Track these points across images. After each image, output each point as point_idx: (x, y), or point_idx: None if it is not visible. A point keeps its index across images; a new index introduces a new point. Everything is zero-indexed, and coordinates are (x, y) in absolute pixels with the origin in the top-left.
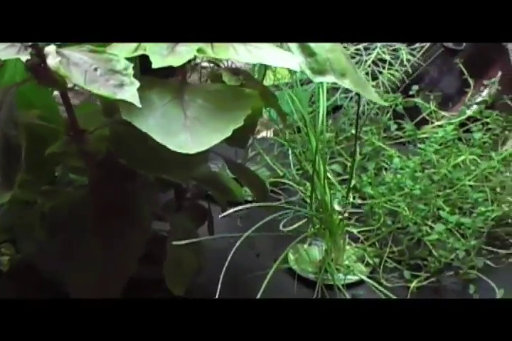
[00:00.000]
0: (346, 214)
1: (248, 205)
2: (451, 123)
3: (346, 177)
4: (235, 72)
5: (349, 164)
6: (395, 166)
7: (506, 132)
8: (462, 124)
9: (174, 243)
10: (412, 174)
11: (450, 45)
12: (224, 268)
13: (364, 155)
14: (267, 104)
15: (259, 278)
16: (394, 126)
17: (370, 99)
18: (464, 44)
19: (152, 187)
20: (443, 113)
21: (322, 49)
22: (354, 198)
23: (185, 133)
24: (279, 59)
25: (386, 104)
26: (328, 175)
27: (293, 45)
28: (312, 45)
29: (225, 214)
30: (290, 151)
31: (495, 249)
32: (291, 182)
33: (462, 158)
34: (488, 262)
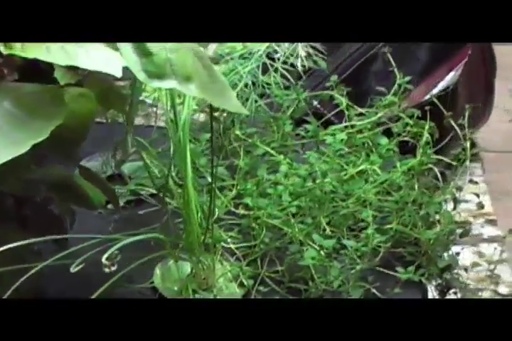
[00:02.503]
0: None
1: None
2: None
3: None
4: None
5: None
6: (277, 177)
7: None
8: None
9: None
10: (301, 185)
11: None
12: None
13: (256, 157)
14: (110, 106)
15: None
16: (289, 127)
17: (225, 107)
18: None
19: None
20: (360, 110)
21: (162, 48)
22: (238, 207)
23: None
24: (99, 61)
25: (247, 112)
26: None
27: (125, 43)
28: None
29: None
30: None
31: (391, 272)
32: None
33: (361, 167)
34: (375, 291)
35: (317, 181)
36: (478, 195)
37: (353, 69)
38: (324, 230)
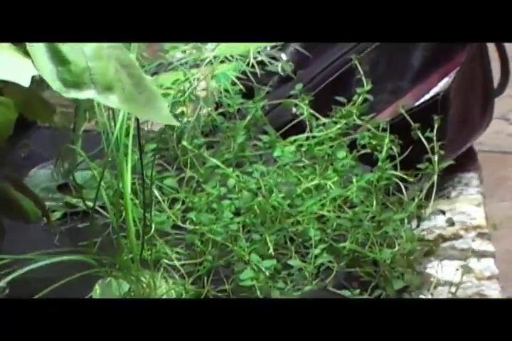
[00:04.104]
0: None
1: None
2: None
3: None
4: None
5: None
6: (220, 191)
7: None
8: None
9: None
10: (247, 200)
11: None
12: None
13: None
14: (34, 116)
15: None
16: (242, 137)
17: (151, 119)
18: None
19: None
20: (324, 119)
21: (81, 56)
22: (185, 222)
23: None
24: (5, 69)
25: (177, 124)
26: (156, 192)
27: (40, 48)
28: (67, 49)
29: None
30: None
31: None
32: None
33: (314, 182)
34: None
35: (263, 196)
36: (444, 212)
37: (335, 77)
38: (270, 248)
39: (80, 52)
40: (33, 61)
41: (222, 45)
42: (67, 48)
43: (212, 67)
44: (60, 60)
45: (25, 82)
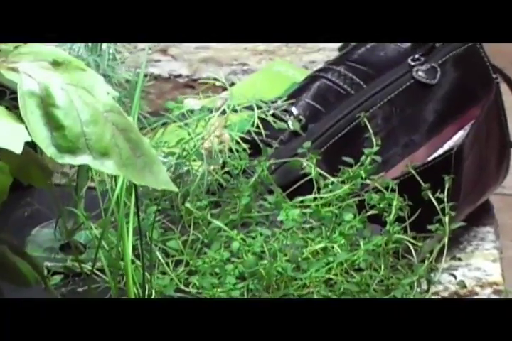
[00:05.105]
0: None
1: None
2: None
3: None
4: None
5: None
6: (223, 255)
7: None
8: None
9: None
10: (251, 265)
11: (422, 77)
12: None
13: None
14: (30, 180)
15: None
16: (247, 199)
17: (148, 185)
18: (438, 78)
19: None
20: (332, 179)
21: (76, 121)
22: (189, 286)
23: None
24: None
25: (176, 189)
26: (158, 254)
27: (34, 113)
28: (62, 114)
29: None
30: None
31: None
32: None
33: (320, 245)
34: None
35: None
36: (455, 276)
37: (346, 131)
38: None
39: (76, 117)
40: (26, 126)
41: (230, 102)
42: (62, 113)
43: (218, 124)
44: (54, 125)
45: (18, 149)
